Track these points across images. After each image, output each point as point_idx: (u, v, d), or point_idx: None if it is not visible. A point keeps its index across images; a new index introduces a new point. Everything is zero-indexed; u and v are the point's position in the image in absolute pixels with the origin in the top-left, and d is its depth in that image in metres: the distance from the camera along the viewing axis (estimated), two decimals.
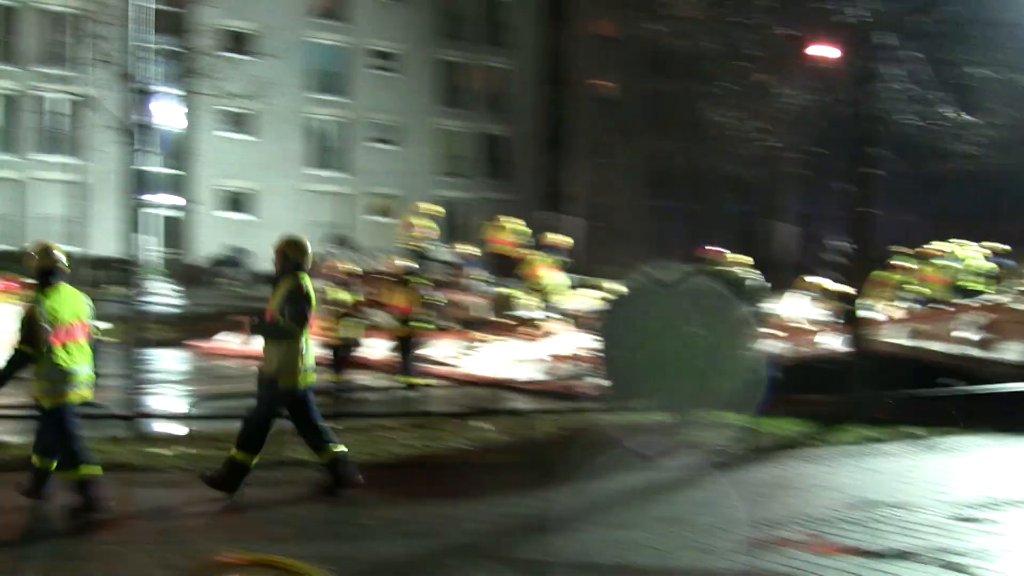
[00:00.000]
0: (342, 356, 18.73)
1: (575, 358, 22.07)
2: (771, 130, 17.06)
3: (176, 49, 37.42)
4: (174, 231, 49.28)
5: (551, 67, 62.42)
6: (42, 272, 9.87)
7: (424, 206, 30.42)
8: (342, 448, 10.64)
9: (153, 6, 14.19)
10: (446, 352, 24.26)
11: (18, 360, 9.63)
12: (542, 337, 25.08)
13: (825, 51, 18.29)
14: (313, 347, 10.63)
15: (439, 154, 57.52)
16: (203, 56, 33.68)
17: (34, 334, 9.57)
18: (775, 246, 58.65)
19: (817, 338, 21.96)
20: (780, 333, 21.85)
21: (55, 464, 9.83)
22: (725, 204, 55.09)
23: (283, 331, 10.35)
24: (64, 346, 9.72)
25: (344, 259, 31.43)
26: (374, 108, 54.66)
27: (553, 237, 28.62)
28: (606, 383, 15.04)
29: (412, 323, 20.04)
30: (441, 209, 30.88)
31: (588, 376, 19.85)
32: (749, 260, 26.24)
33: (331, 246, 36.50)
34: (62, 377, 9.71)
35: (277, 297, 10.66)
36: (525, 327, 25.45)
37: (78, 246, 31.30)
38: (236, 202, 50.67)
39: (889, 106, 16.70)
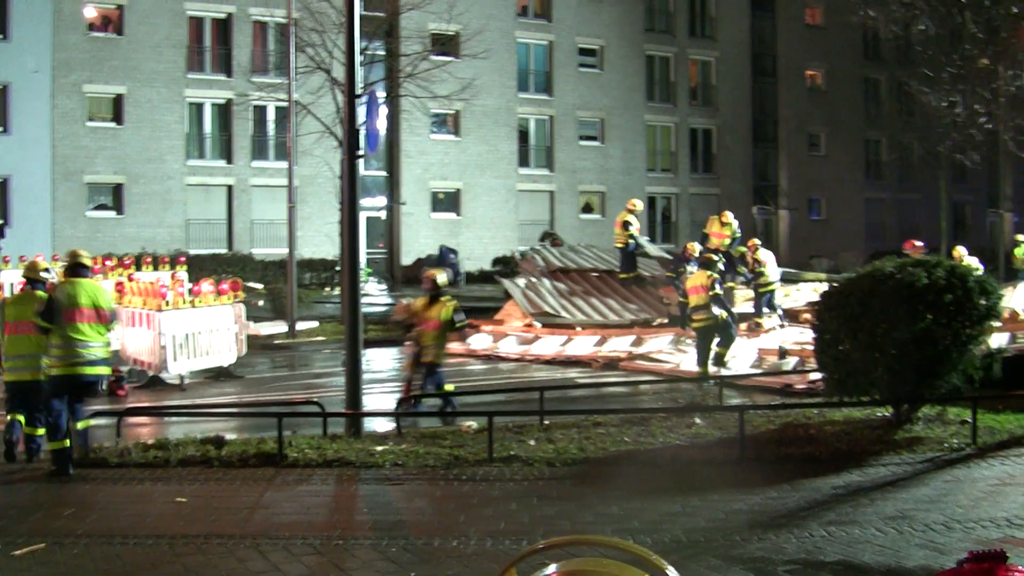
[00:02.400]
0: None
1: (791, 353, 21.75)
2: (993, 113, 16.41)
3: (384, 54, 38.28)
4: (381, 232, 50.40)
5: (757, 58, 61.58)
6: (68, 268, 12.80)
7: (634, 202, 30.53)
8: None
9: (361, 12, 14.31)
10: (659, 347, 24.25)
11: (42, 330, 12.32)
12: (762, 332, 24.78)
13: None
14: None
15: (645, 149, 57.26)
16: (411, 59, 34.48)
17: (52, 313, 12.20)
18: (994, 235, 56.56)
19: None
20: (1005, 325, 21.07)
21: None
22: (942, 192, 53.30)
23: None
24: (76, 326, 12.21)
25: (551, 256, 31.77)
26: (580, 105, 54.80)
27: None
28: (824, 377, 14.68)
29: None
30: (639, 204, 30.93)
31: (805, 371, 19.55)
32: (962, 253, 25.51)
33: (539, 243, 36.70)
34: (71, 351, 12.23)
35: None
36: (747, 323, 25.19)
37: (288, 247, 32.21)
38: (444, 202, 51.46)
39: None
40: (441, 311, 16.48)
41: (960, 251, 26.41)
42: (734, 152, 59.88)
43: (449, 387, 16.67)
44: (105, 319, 12.53)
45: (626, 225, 29.40)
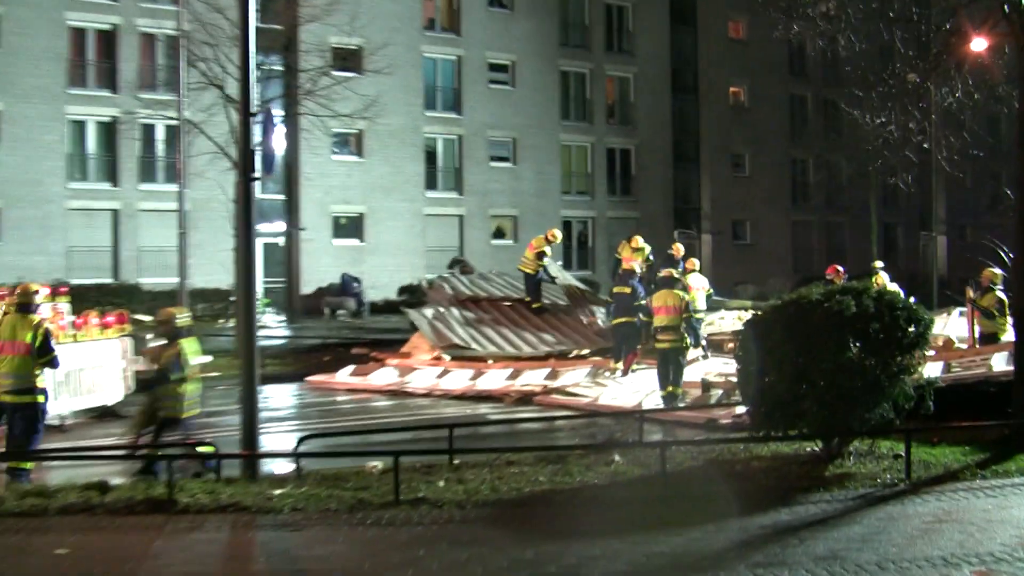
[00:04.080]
0: None
1: (715, 385, 21.87)
2: (926, 131, 16.65)
3: (282, 69, 38.05)
4: (279, 259, 50.03)
5: (678, 73, 62.22)
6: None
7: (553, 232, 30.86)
8: None
9: (257, 24, 14.16)
10: (576, 380, 24.29)
11: None
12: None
13: (982, 44, 17.84)
14: None
15: (560, 171, 57.53)
16: (311, 75, 34.29)
17: None
18: (927, 258, 57.64)
19: (976, 358, 21.39)
20: (939, 354, 21.39)
21: None
22: (872, 215, 54.20)
23: None
24: None
25: (461, 284, 31.76)
26: (491, 124, 54.99)
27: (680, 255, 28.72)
28: (749, 410, 14.79)
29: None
30: (558, 234, 31.21)
31: (730, 404, 19.66)
32: (884, 279, 25.97)
33: (448, 271, 36.72)
34: None
35: None
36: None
37: (179, 276, 31.90)
38: (346, 227, 51.24)
39: None
40: (170, 354, 15.30)
41: (883, 277, 26.86)
42: (654, 173, 60.36)
43: (206, 448, 15.00)
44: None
45: (540, 255, 29.60)
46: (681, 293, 21.11)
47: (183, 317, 16.10)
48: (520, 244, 48.23)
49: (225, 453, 14.50)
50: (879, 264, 29.45)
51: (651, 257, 29.32)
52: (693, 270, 27.64)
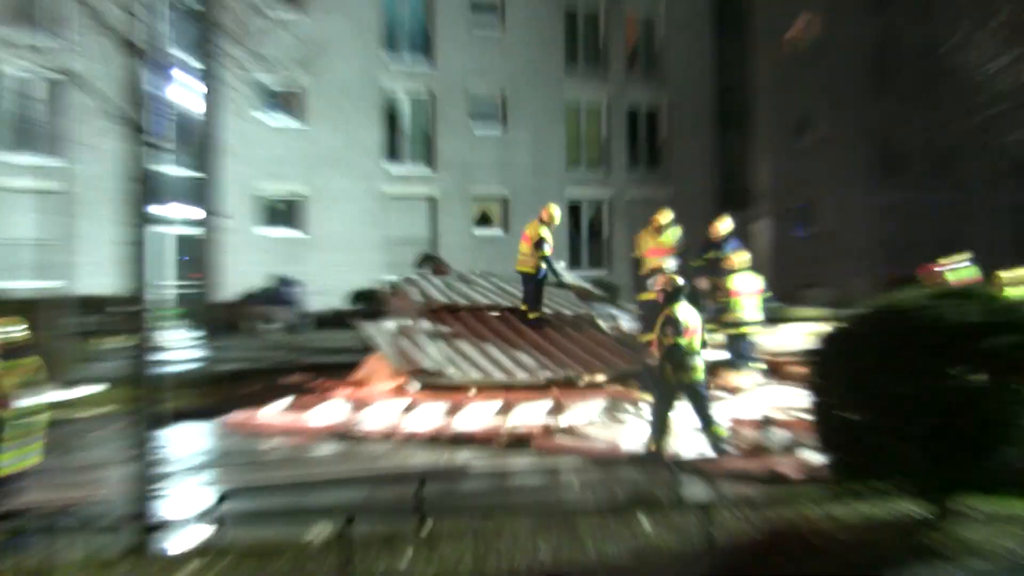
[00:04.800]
0: None
1: (778, 423, 21.70)
2: None
3: (200, 7, 37.88)
4: (196, 256, 49.85)
5: (722, 7, 62.04)
6: None
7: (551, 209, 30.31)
8: None
9: None
10: (588, 417, 24.10)
11: None
12: (733, 392, 24.76)
13: None
14: None
15: (565, 137, 57.45)
16: (238, 14, 34.05)
17: None
18: None
19: None
20: None
21: None
22: (990, 192, 53.93)
23: None
24: None
25: (433, 289, 31.61)
26: (473, 76, 54.99)
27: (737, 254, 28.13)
28: (824, 458, 14.58)
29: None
30: (556, 214, 30.59)
31: (796, 448, 19.46)
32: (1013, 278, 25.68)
33: (416, 271, 36.58)
34: None
35: None
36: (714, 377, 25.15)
37: (58, 279, 31.62)
38: (282, 214, 51.11)
39: None
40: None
41: (1008, 276, 26.58)
42: (690, 140, 60.26)
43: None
44: None
45: (539, 244, 29.23)
46: (677, 310, 20.63)
47: (13, 332, 15.75)
48: (513, 235, 48.02)
49: (117, 517, 14.20)
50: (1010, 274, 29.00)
51: (677, 242, 28.85)
52: (741, 268, 27.29)
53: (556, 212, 30.22)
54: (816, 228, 63.39)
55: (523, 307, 30.07)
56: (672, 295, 20.62)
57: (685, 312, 20.34)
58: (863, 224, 63.47)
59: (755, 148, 62.95)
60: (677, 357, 19.78)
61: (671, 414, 20.44)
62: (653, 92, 59.88)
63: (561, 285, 31.42)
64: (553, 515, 15.21)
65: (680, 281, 20.93)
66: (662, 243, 28.22)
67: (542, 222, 29.54)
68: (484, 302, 31.33)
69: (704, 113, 60.93)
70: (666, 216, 28.53)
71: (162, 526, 14.37)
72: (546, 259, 29.36)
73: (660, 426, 20.24)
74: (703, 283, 28.32)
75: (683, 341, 20.06)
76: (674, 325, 19.97)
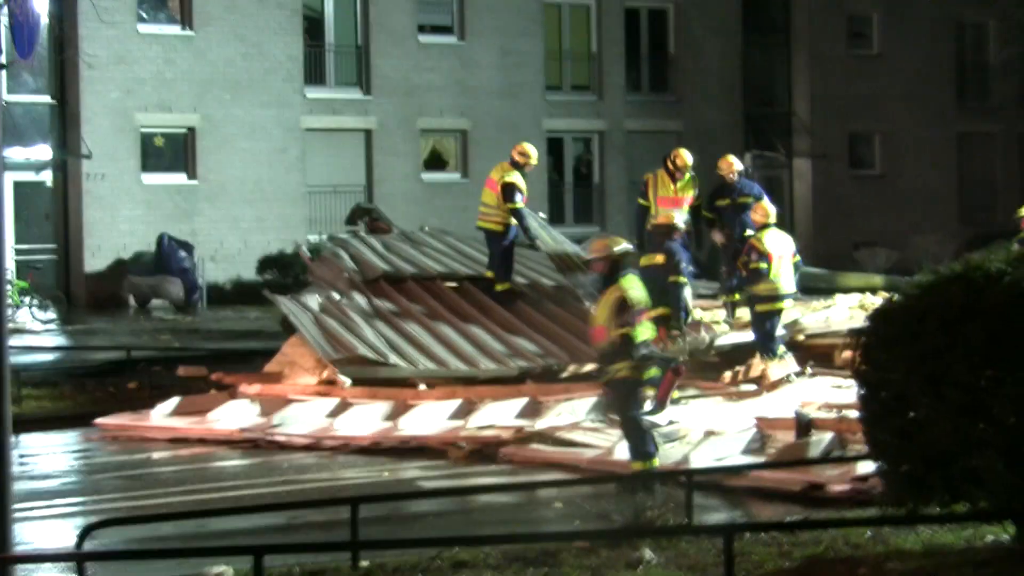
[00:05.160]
0: None
1: (819, 424, 21.86)
2: None
3: None
4: (49, 211, 49.71)
5: None
6: None
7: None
8: None
9: None
10: (571, 418, 24.27)
11: None
12: (766, 384, 25.05)
13: None
14: None
15: (543, 48, 57.41)
16: None
17: None
18: None
19: None
20: None
21: None
22: None
23: None
24: None
25: (369, 253, 31.69)
26: None
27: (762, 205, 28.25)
28: (881, 469, 14.73)
29: None
30: (532, 152, 30.39)
31: (847, 458, 19.64)
32: None
33: (347, 229, 36.59)
34: None
35: None
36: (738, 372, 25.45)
37: None
38: (166, 153, 50.99)
39: None
40: None
41: None
42: (708, 52, 60.27)
43: None
44: None
45: (509, 191, 29.13)
46: (628, 285, 20.51)
47: None
48: (474, 181, 48.05)
49: None
50: None
51: (696, 192, 28.93)
52: (767, 223, 27.34)
53: (531, 151, 30.05)
54: (871, 170, 63.43)
55: (488, 275, 30.05)
56: (613, 268, 20.27)
57: (636, 289, 20.22)
58: (935, 162, 63.52)
59: (795, 62, 63.00)
60: (630, 351, 19.76)
61: (647, 418, 20.62)
62: None
63: (534, 247, 31.10)
64: (528, 547, 15.33)
65: (622, 247, 20.57)
66: (679, 191, 28.34)
67: (513, 164, 29.45)
68: (437, 269, 31.30)
69: (727, 15, 61.02)
70: (683, 158, 28.62)
71: (19, 560, 14.50)
72: (517, 213, 29.21)
73: (639, 439, 20.39)
74: (717, 237, 28.57)
75: (638, 330, 20.11)
76: (625, 309, 19.90)
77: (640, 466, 19.84)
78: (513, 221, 29.07)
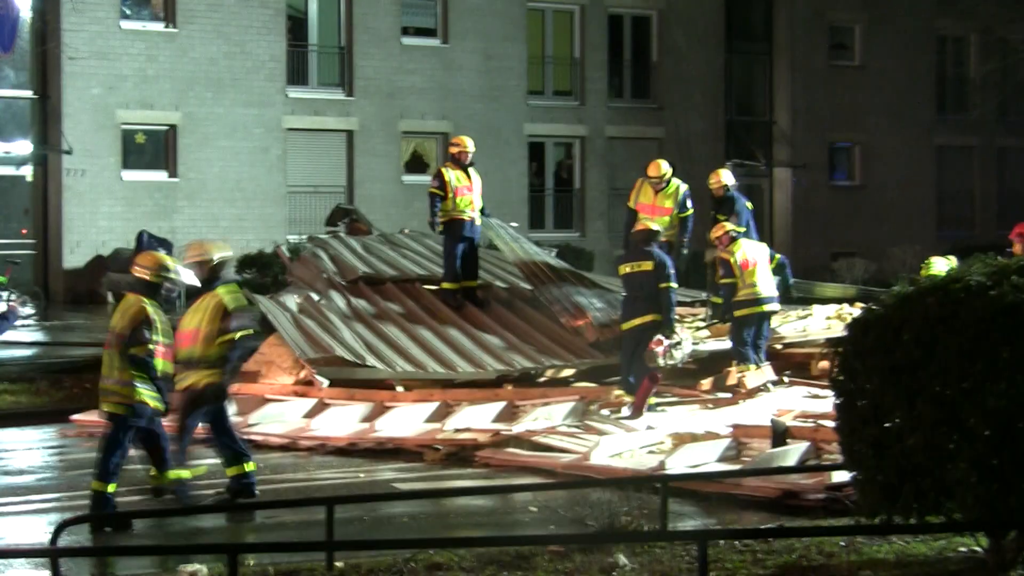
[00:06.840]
0: None
1: (795, 433, 21.91)
2: None
3: None
4: (28, 206, 49.68)
5: None
6: None
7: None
8: None
9: None
10: (550, 421, 24.29)
11: None
12: (741, 393, 25.20)
13: None
14: None
15: (526, 53, 57.43)
16: None
17: None
18: None
19: None
20: None
21: None
22: None
23: None
24: None
25: (348, 254, 31.70)
26: None
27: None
28: (855, 479, 14.77)
29: None
30: (462, 139, 30.31)
31: (822, 467, 19.70)
32: None
33: (327, 229, 36.60)
34: None
35: None
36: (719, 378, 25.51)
37: None
38: (146, 151, 50.93)
39: None
40: None
41: None
42: (691, 59, 60.32)
43: None
44: None
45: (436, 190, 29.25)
46: (225, 292, 20.40)
47: None
48: None
49: None
50: None
51: (688, 203, 28.94)
52: (737, 231, 27.41)
53: (469, 143, 29.80)
54: (853, 179, 63.56)
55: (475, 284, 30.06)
56: (212, 274, 20.43)
57: (234, 295, 20.18)
58: (915, 173, 63.68)
59: (775, 71, 63.11)
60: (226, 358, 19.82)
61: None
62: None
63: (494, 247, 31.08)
64: (503, 550, 15.36)
65: (222, 254, 20.69)
66: (658, 200, 28.37)
67: (454, 162, 29.42)
68: (415, 272, 31.35)
69: (709, 23, 61.10)
70: (656, 168, 28.65)
71: None
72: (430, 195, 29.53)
73: (181, 450, 20.46)
74: (710, 256, 28.64)
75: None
76: (226, 317, 19.75)
77: (176, 476, 20.04)
78: (456, 217, 29.16)
